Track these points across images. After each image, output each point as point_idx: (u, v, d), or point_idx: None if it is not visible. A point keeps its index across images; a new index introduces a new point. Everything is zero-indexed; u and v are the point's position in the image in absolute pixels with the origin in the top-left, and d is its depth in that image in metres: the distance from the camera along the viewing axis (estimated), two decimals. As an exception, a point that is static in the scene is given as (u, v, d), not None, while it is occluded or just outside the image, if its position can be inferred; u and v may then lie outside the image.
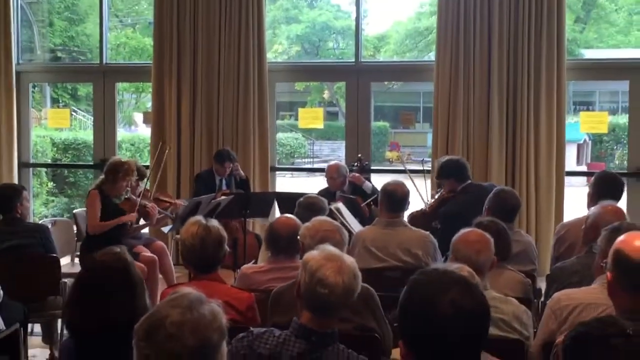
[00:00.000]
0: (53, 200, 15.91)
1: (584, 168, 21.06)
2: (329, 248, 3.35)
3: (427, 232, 6.08)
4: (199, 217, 4.38)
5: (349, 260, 3.28)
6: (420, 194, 7.88)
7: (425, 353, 2.15)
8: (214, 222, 4.32)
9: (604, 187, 5.71)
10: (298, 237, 4.57)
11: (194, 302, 2.45)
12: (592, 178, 5.95)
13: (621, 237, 3.17)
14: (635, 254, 3.05)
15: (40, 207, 15.04)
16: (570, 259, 4.75)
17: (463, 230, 4.28)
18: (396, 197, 5.92)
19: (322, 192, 8.48)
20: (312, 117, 11.77)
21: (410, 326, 2.20)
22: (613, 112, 23.25)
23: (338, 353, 3.15)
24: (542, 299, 4.96)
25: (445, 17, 9.16)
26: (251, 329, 3.27)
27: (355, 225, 6.87)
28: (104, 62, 10.64)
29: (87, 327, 3.18)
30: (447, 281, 2.20)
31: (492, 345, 3.29)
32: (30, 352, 6.56)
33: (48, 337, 6.61)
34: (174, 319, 2.38)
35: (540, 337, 3.81)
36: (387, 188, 5.98)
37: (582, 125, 10.36)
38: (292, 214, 5.60)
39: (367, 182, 8.32)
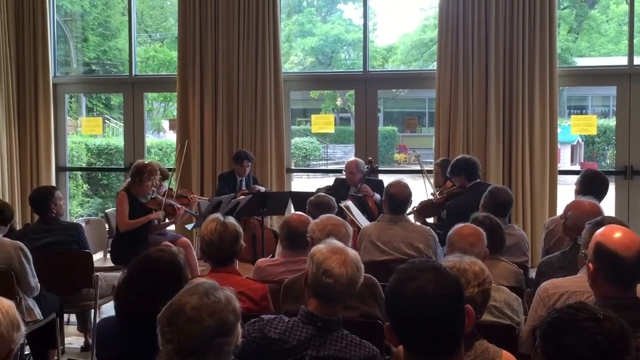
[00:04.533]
0: (88, 201, 15.98)
1: (577, 167, 20.97)
2: (335, 242, 3.38)
3: (428, 227, 6.09)
4: (218, 215, 4.40)
5: (353, 253, 3.31)
6: (428, 189, 7.88)
7: (402, 336, 2.19)
8: (231, 219, 4.34)
9: (589, 184, 5.71)
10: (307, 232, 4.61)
11: (209, 289, 2.52)
12: (579, 176, 5.95)
13: (601, 230, 3.17)
14: (614, 245, 3.05)
15: (77, 208, 15.12)
16: (555, 253, 4.74)
17: (458, 225, 4.30)
18: (399, 200, 5.90)
19: (338, 182, 8.53)
20: (324, 123, 11.82)
21: (388, 312, 2.25)
22: (604, 115, 23.14)
23: (342, 338, 3.18)
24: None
25: (445, 29, 9.17)
26: (262, 315, 3.29)
27: (363, 221, 6.88)
28: (133, 74, 10.72)
29: (131, 311, 3.24)
30: (418, 269, 2.21)
31: (486, 330, 3.31)
32: (67, 339, 6.64)
33: (82, 326, 6.67)
34: (193, 304, 2.44)
35: (530, 323, 3.81)
36: (390, 191, 5.93)
37: (573, 128, 10.37)
38: (305, 211, 5.64)
39: (376, 194, 8.23)
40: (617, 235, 3.09)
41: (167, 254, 3.36)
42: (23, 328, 2.66)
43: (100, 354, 3.36)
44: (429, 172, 8.45)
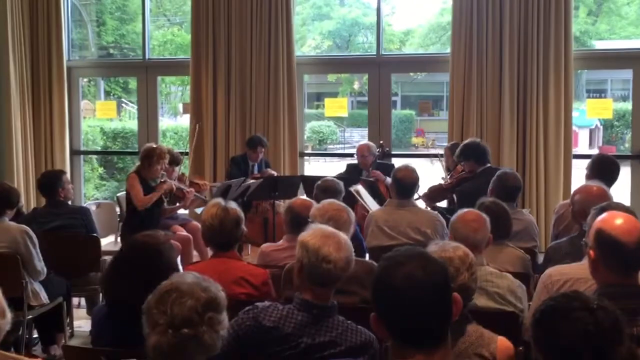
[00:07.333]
0: (104, 185, 16.04)
1: (595, 151, 20.76)
2: (321, 226, 3.38)
3: (436, 212, 6.04)
4: (219, 199, 4.36)
5: (343, 235, 3.30)
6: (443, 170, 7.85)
7: (389, 325, 2.16)
8: (233, 204, 4.30)
9: (599, 169, 5.64)
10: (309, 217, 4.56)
11: (198, 276, 2.49)
12: (589, 161, 5.87)
13: (602, 216, 3.10)
14: (615, 232, 2.97)
15: (92, 191, 15.17)
16: (564, 239, 4.68)
17: (461, 210, 4.23)
18: (406, 184, 5.87)
19: (351, 167, 8.48)
20: (337, 107, 11.77)
21: (375, 300, 2.20)
22: (624, 98, 22.82)
23: (338, 324, 3.14)
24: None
25: (459, 11, 9.07)
26: (257, 303, 3.25)
27: (373, 205, 6.83)
28: (147, 57, 10.68)
29: (117, 296, 3.24)
30: (404, 256, 2.18)
31: (488, 317, 3.27)
32: (76, 323, 6.63)
33: (91, 309, 6.66)
34: (186, 282, 2.45)
35: (534, 309, 3.74)
36: (397, 175, 5.91)
37: (588, 112, 10.23)
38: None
39: (387, 178, 8.16)
40: (618, 221, 3.01)
41: (151, 238, 3.35)
42: (9, 315, 2.61)
43: (95, 342, 3.35)
44: (442, 156, 8.37)
